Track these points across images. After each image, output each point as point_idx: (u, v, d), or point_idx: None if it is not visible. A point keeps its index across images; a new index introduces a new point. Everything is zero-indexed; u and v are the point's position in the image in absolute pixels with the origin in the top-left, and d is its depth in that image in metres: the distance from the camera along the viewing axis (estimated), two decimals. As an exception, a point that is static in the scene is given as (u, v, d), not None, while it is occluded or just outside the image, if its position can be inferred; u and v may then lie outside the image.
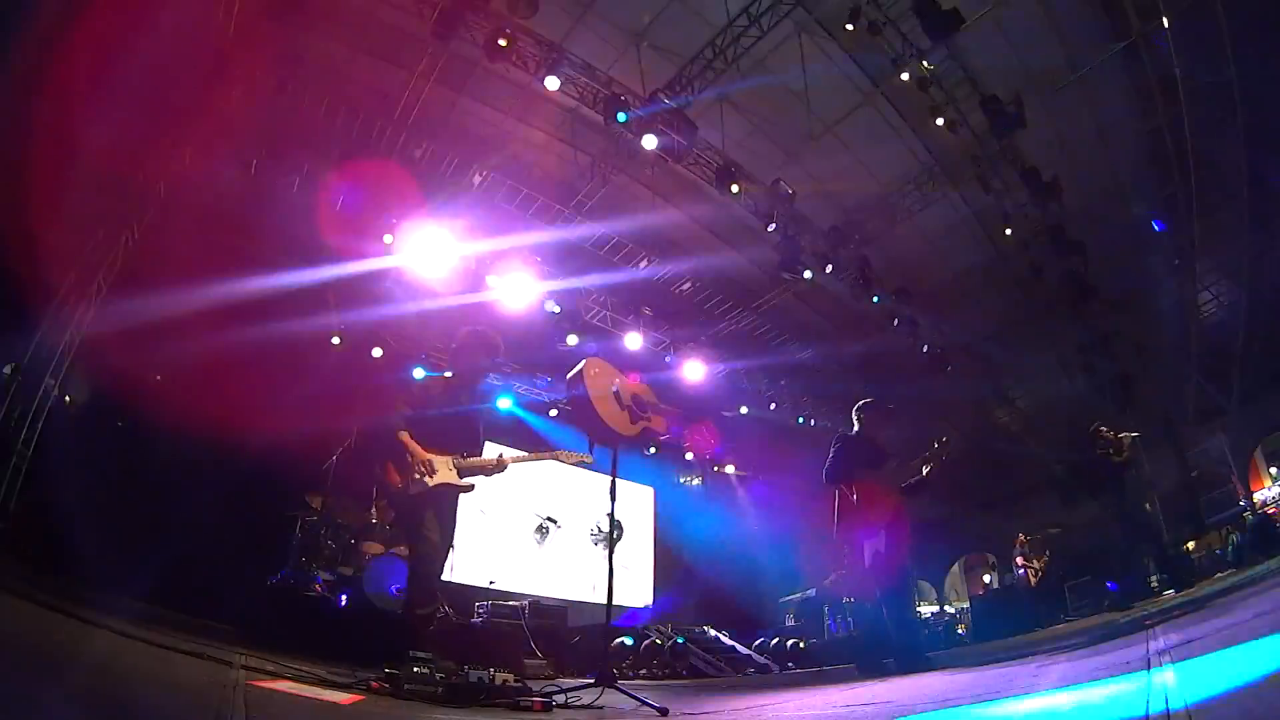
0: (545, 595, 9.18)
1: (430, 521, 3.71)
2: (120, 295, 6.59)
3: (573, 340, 9.95)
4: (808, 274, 9.71)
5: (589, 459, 3.96)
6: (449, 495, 3.83)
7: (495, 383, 10.88)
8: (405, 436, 3.74)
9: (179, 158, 6.93)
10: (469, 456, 3.87)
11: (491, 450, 4.04)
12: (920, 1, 6.95)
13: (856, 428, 5.34)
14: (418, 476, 3.68)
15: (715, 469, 14.24)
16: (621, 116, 7.60)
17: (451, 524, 3.90)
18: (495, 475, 3.90)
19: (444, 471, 3.77)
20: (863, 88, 8.54)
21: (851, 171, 9.60)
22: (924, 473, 5.02)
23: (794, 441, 13.06)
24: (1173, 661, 1.98)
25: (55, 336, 6.12)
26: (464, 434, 3.94)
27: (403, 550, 5.77)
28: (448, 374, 4.16)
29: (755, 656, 8.94)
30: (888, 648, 4.83)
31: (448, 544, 3.87)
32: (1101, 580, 8.73)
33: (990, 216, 9.85)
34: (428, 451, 3.75)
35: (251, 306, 7.17)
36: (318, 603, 5.85)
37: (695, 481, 14.98)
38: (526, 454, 4.17)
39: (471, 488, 3.87)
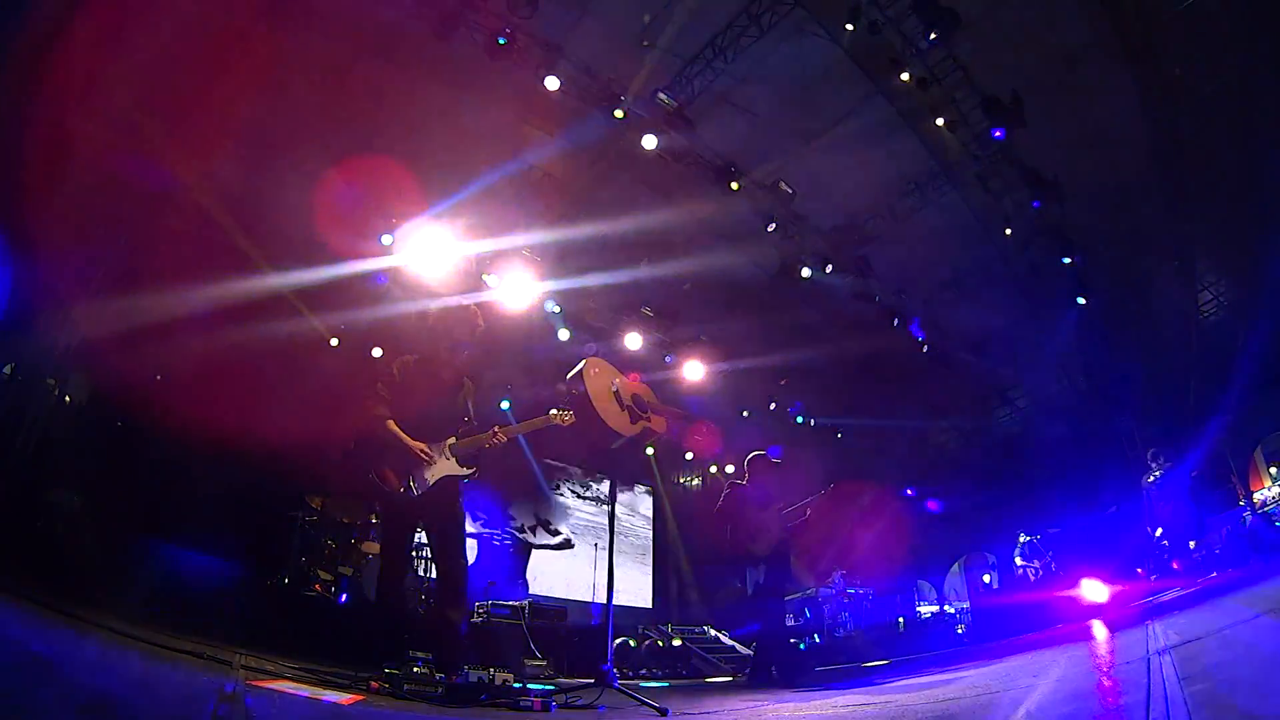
0: (545, 595, 9.18)
1: (421, 532, 3.64)
2: (120, 295, 6.58)
3: (569, 338, 9.95)
4: (807, 273, 9.71)
5: (571, 415, 3.90)
6: (451, 491, 3.76)
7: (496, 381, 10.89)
8: (392, 424, 3.68)
9: (179, 157, 6.92)
10: (463, 436, 3.81)
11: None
12: (920, 1, 6.96)
13: (747, 477, 5.99)
14: (417, 473, 3.65)
15: (715, 469, 14.21)
16: (619, 115, 7.61)
17: (460, 523, 3.84)
18: (494, 448, 3.80)
19: (442, 461, 3.73)
20: (863, 88, 8.54)
21: (851, 171, 9.58)
22: (807, 514, 5.90)
23: (794, 441, 13.05)
24: (1173, 660, 1.98)
25: (55, 336, 6.12)
26: (454, 413, 3.87)
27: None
28: (410, 357, 4.02)
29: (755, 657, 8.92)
30: (772, 659, 5.80)
31: (461, 544, 3.81)
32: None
33: (990, 216, 9.84)
34: (421, 441, 3.69)
35: (251, 306, 7.16)
36: (317, 603, 5.86)
37: (695, 481, 14.96)
38: (520, 424, 4.11)
39: (475, 472, 3.80)
